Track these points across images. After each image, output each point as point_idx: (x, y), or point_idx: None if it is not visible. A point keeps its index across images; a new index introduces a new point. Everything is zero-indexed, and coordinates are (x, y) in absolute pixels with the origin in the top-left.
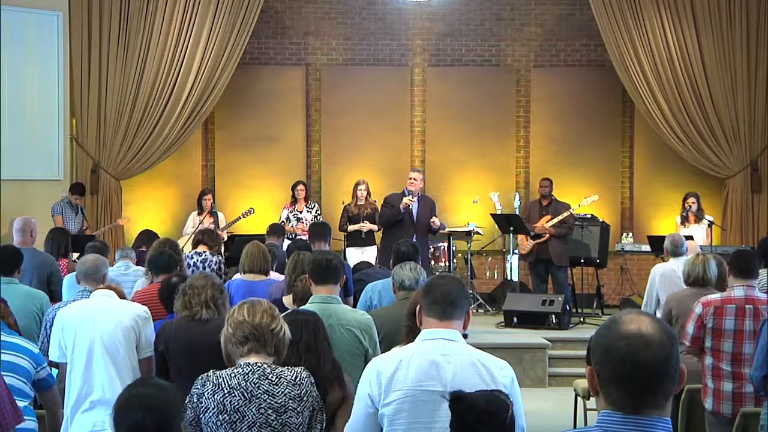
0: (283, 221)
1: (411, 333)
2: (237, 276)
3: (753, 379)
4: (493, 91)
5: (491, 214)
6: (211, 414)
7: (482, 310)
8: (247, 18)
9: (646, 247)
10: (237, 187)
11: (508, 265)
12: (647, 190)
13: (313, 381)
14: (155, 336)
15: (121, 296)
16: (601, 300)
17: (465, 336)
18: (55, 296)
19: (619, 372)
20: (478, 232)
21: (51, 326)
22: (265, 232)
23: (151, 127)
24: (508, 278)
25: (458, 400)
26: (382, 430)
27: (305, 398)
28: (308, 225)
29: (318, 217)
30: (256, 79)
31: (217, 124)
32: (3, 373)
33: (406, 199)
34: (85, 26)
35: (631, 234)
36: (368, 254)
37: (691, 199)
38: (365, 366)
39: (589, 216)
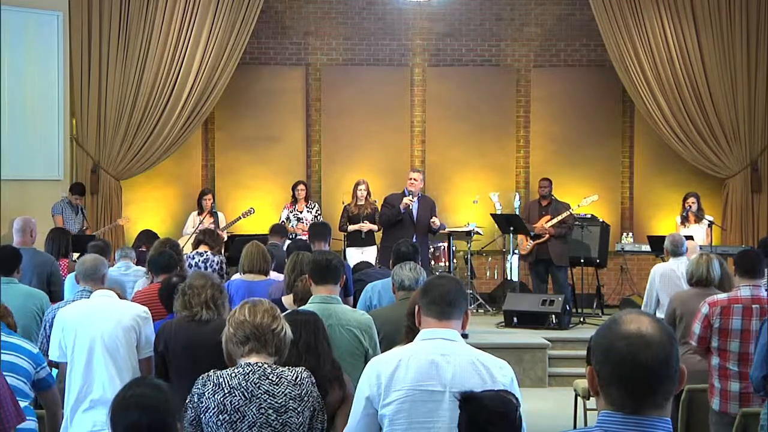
0: (283, 221)
1: (411, 333)
2: (236, 276)
3: (752, 379)
4: (493, 91)
5: (491, 214)
6: (211, 414)
7: (482, 310)
8: (247, 18)
9: (646, 247)
10: (237, 187)
11: (508, 265)
12: (647, 190)
13: (314, 381)
14: (155, 336)
15: (121, 297)
16: (601, 300)
17: (465, 336)
18: (55, 296)
19: (620, 372)
20: (478, 232)
21: (50, 326)
22: (264, 232)
23: (151, 127)
24: (508, 278)
25: (469, 401)
26: (381, 430)
27: (306, 398)
28: (308, 225)
29: (318, 217)
30: (256, 79)
31: (217, 124)
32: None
33: (406, 200)
34: (85, 26)
35: (631, 234)
36: (368, 254)
37: (691, 199)
38: (365, 366)
39: (589, 216)
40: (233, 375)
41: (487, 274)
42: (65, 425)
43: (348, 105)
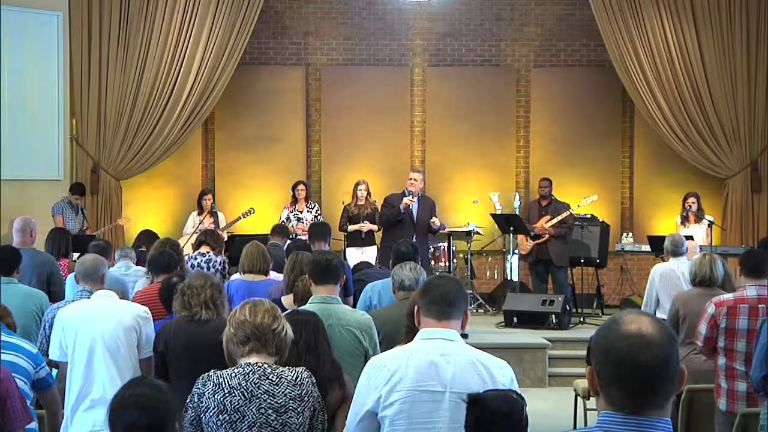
0: (283, 221)
1: (411, 333)
2: (236, 276)
3: (752, 380)
4: (493, 91)
5: (491, 214)
6: (211, 414)
7: (482, 310)
8: (247, 18)
9: (646, 247)
10: (237, 187)
11: (508, 265)
12: (647, 190)
13: (314, 381)
14: (155, 336)
15: (123, 297)
16: (601, 300)
17: (465, 336)
18: (55, 296)
19: (620, 372)
20: (478, 232)
21: (50, 326)
22: (264, 232)
23: (151, 127)
24: (508, 278)
25: (476, 402)
26: (380, 430)
27: (306, 398)
28: (308, 225)
29: (318, 217)
30: (256, 79)
31: (217, 124)
32: None
33: (406, 200)
34: (85, 26)
35: (631, 234)
36: (368, 254)
37: (691, 199)
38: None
39: (589, 216)
40: (233, 375)
41: (487, 274)
42: (65, 425)
43: (348, 105)
